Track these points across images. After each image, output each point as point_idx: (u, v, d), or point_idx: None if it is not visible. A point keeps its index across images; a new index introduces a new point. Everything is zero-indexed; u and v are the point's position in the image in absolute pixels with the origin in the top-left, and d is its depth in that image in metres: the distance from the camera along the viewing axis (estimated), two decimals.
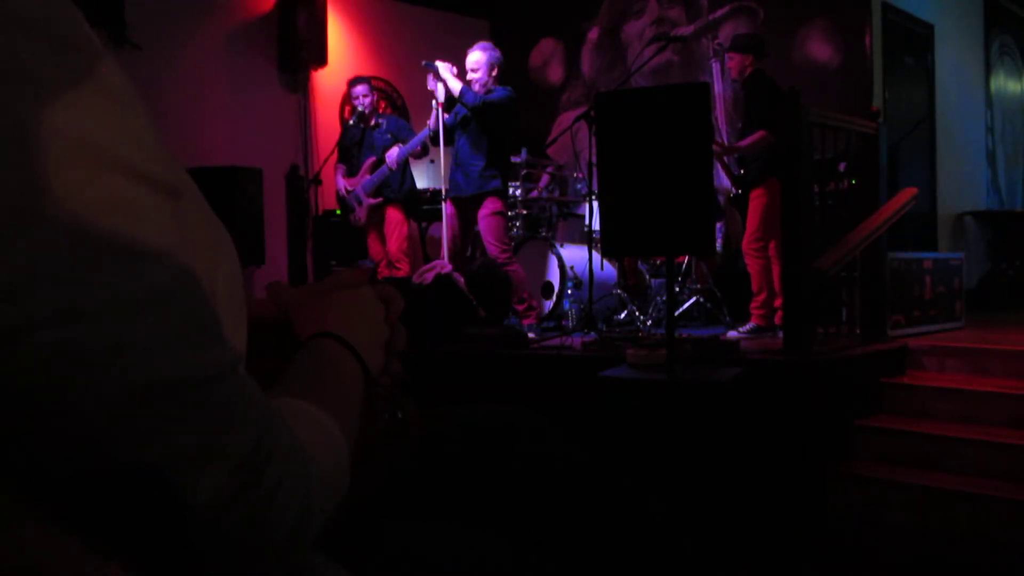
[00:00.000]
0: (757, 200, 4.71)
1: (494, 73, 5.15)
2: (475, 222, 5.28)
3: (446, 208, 5.36)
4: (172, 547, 0.54)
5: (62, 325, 0.47)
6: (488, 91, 5.13)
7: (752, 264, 4.70)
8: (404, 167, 5.81)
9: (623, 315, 5.49)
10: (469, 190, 5.16)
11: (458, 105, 5.20)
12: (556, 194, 6.38)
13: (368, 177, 5.74)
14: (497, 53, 5.20)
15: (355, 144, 5.90)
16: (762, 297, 4.66)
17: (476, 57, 5.15)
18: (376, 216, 5.83)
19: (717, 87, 4.95)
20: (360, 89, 5.84)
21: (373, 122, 5.85)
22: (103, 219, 0.49)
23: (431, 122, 5.60)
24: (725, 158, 5.06)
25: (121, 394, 0.49)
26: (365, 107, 5.80)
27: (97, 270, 0.48)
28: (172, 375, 0.51)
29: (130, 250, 0.50)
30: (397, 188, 5.77)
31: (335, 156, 6.07)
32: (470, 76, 5.16)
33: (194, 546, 0.53)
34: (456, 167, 5.25)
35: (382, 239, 5.87)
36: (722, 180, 5.14)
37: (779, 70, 4.96)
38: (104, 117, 0.50)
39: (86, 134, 0.49)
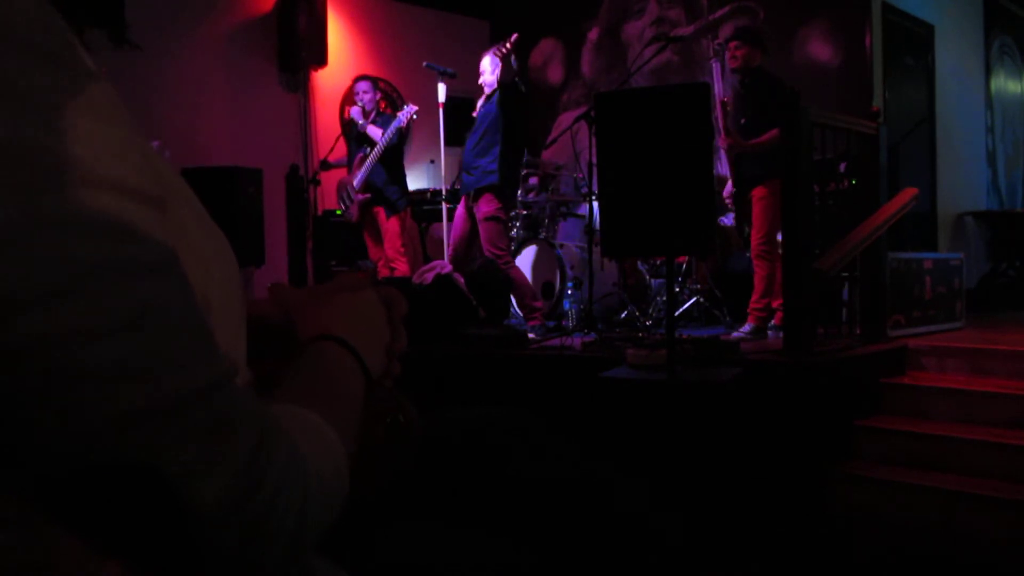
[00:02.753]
0: (763, 201, 4.59)
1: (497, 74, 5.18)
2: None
3: (458, 206, 5.33)
4: (172, 550, 0.54)
5: (61, 343, 0.47)
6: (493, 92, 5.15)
7: (763, 267, 4.57)
8: (390, 165, 5.79)
9: (623, 315, 5.49)
10: (471, 186, 5.18)
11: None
12: (561, 191, 6.40)
13: (359, 173, 5.77)
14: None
15: (354, 141, 5.93)
16: (765, 300, 4.59)
17: (488, 61, 5.18)
18: (368, 216, 5.84)
19: (717, 87, 4.92)
20: (362, 86, 5.86)
21: (371, 119, 5.86)
22: (96, 236, 0.49)
23: (402, 115, 5.63)
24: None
25: (121, 409, 0.49)
26: (367, 104, 5.82)
27: (93, 288, 0.48)
28: (169, 389, 0.51)
29: (124, 267, 0.50)
30: (383, 186, 5.76)
31: (336, 155, 6.07)
32: (481, 81, 5.19)
33: (196, 551, 0.54)
34: (463, 167, 5.27)
35: (376, 239, 5.88)
36: (721, 171, 5.06)
37: (779, 70, 4.94)
38: (90, 133, 0.50)
39: (75, 151, 0.49)
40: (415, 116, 5.71)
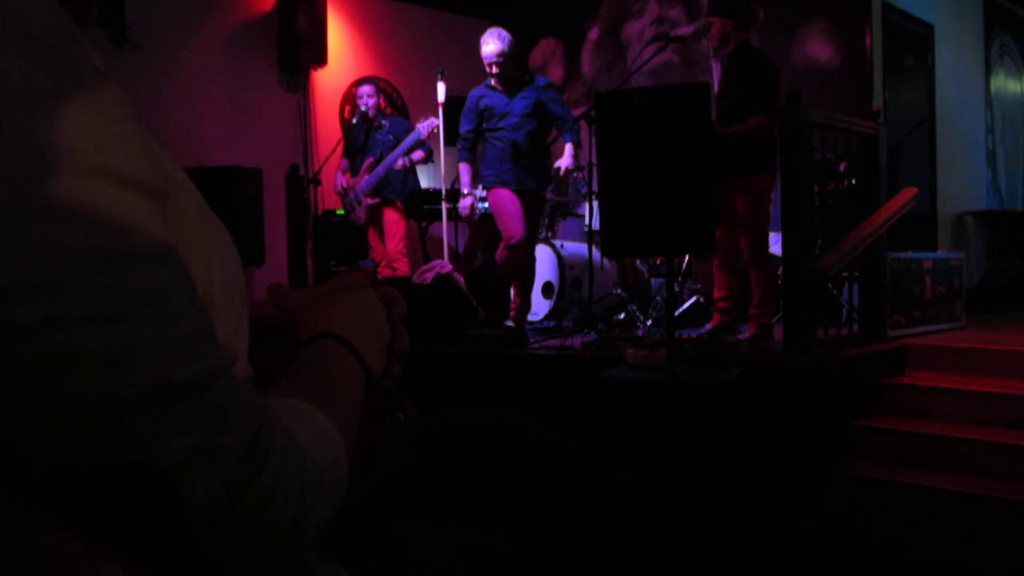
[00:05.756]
0: (748, 203, 4.27)
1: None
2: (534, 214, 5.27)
3: (507, 196, 5.14)
4: (172, 547, 0.54)
5: (55, 332, 0.47)
6: (552, 98, 5.10)
7: (755, 274, 4.32)
8: (406, 172, 5.83)
9: (623, 315, 5.49)
10: (531, 184, 5.12)
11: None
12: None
13: (367, 177, 5.76)
14: (510, 37, 5.10)
15: (359, 146, 5.92)
16: (765, 305, 4.37)
17: (497, 48, 5.03)
18: (375, 216, 5.85)
19: (717, 87, 4.91)
20: (365, 90, 5.87)
21: (377, 123, 5.87)
22: (91, 226, 0.49)
23: (422, 127, 5.65)
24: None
25: (115, 399, 0.49)
26: (369, 108, 5.82)
27: (88, 277, 0.48)
28: (165, 379, 0.51)
29: (119, 257, 0.50)
30: (398, 189, 5.79)
31: (337, 156, 6.08)
32: (495, 68, 5.05)
33: (194, 546, 0.54)
34: (514, 160, 5.07)
35: (382, 239, 5.88)
36: None
37: (779, 70, 4.92)
38: (89, 124, 0.50)
39: (72, 142, 0.49)
40: (436, 129, 5.73)
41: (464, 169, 5.18)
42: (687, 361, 3.53)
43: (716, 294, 4.55)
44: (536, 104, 5.06)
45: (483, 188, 5.19)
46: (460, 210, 5.36)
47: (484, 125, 5.11)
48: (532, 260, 5.21)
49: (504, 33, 5.09)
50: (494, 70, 5.04)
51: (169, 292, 0.53)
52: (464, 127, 5.15)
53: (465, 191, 5.24)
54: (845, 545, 3.39)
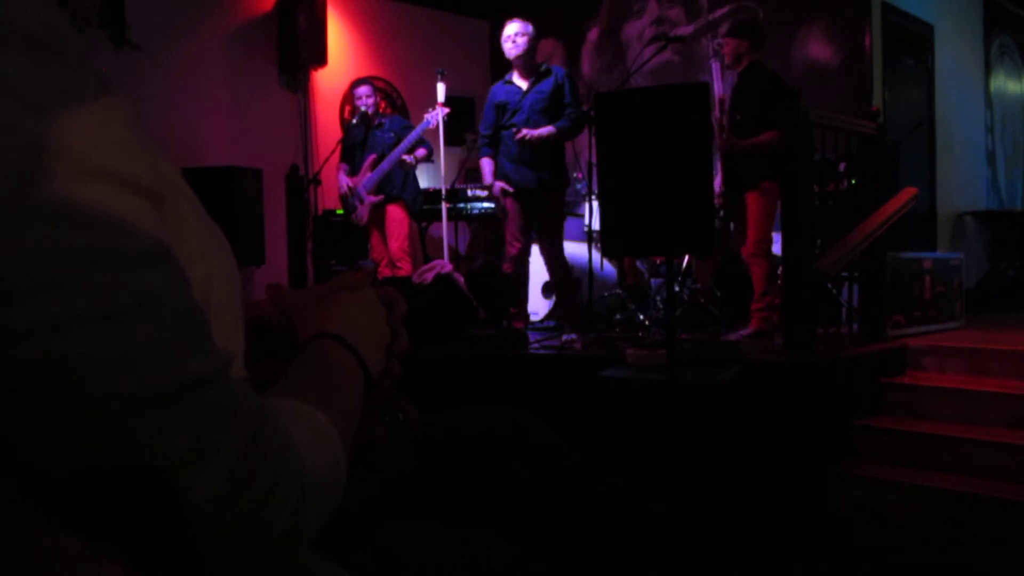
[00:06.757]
0: (759, 202, 4.45)
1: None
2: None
3: (510, 204, 5.11)
4: (171, 547, 0.54)
5: (54, 333, 0.47)
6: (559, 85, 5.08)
7: (761, 266, 4.43)
8: (409, 169, 5.83)
9: (622, 315, 5.49)
10: (536, 184, 5.05)
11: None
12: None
13: (369, 175, 5.75)
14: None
15: (358, 144, 5.91)
16: (767, 299, 4.45)
17: (520, 27, 5.14)
18: (378, 215, 5.83)
19: (717, 87, 4.90)
20: (363, 90, 5.86)
21: (376, 122, 5.87)
22: (89, 226, 0.49)
23: (431, 116, 5.65)
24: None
25: (113, 399, 0.49)
26: (368, 108, 5.82)
27: (86, 277, 0.49)
28: (163, 379, 0.51)
29: (117, 257, 0.50)
30: (400, 186, 5.78)
31: (337, 156, 6.09)
32: (519, 48, 5.08)
33: (193, 545, 0.54)
34: (521, 159, 5.03)
35: (384, 238, 5.88)
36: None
37: (779, 70, 4.92)
38: (87, 125, 0.51)
39: (70, 143, 0.49)
40: (445, 117, 5.74)
41: (485, 163, 5.11)
42: (687, 361, 3.53)
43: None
44: (552, 97, 5.02)
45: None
46: (495, 191, 5.07)
47: (500, 122, 5.10)
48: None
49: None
50: (520, 41, 5.05)
51: (166, 293, 0.53)
52: (484, 124, 5.16)
53: (488, 181, 5.10)
54: (845, 545, 3.39)
